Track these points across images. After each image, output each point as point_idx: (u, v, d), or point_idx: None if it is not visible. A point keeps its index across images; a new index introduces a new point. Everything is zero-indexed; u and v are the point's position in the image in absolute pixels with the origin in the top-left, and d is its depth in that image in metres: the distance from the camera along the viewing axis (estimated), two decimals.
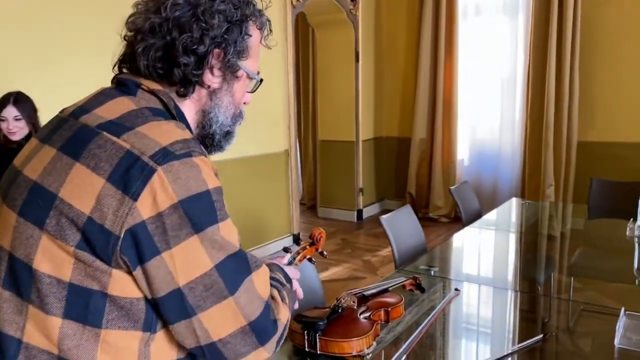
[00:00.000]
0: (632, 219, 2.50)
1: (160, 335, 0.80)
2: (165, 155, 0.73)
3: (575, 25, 4.67)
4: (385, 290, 1.58)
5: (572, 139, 4.85)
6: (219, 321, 0.77)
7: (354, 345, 1.27)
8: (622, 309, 1.50)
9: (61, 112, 0.88)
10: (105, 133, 0.76)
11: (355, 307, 1.43)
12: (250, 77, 0.95)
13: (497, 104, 5.27)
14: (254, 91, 0.99)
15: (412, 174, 5.67)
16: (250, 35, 0.91)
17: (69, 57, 2.90)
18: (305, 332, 1.30)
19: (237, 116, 0.96)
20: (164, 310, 0.76)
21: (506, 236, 2.86)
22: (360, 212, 5.68)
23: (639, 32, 4.53)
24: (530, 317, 1.76)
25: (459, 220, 5.61)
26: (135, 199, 0.71)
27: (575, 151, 4.86)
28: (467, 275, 2.18)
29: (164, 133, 0.76)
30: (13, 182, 0.81)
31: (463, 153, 5.55)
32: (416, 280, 1.72)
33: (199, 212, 0.74)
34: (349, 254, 4.58)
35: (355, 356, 1.28)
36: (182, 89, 0.86)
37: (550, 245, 2.65)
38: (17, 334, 0.76)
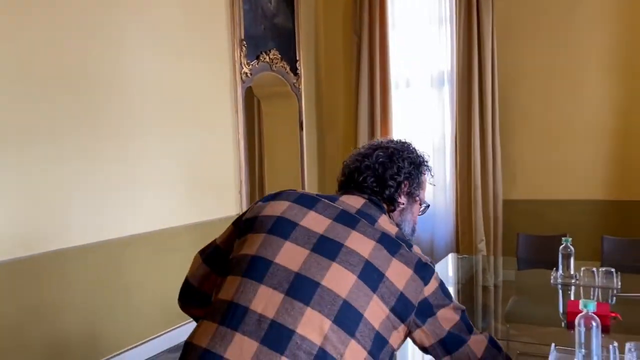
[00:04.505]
0: (554, 269, 2.85)
1: None
2: (432, 264, 1.29)
3: (494, 97, 5.26)
4: None
5: (497, 198, 5.35)
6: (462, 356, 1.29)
7: None
8: (553, 344, 1.79)
9: (330, 200, 1.32)
10: (404, 245, 1.25)
11: None
12: (421, 203, 1.47)
13: None
14: (423, 213, 1.52)
15: None
16: (424, 174, 1.45)
17: None
18: None
19: (414, 230, 1.48)
20: (447, 341, 1.27)
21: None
22: None
23: (547, 106, 5.22)
24: None
25: None
26: (425, 285, 1.23)
27: (501, 208, 5.36)
28: None
29: (421, 251, 1.30)
30: (312, 237, 1.22)
31: None
32: None
33: (445, 290, 1.30)
34: None
35: None
36: (391, 206, 1.39)
37: (487, 295, 2.94)
38: (317, 341, 1.08)
